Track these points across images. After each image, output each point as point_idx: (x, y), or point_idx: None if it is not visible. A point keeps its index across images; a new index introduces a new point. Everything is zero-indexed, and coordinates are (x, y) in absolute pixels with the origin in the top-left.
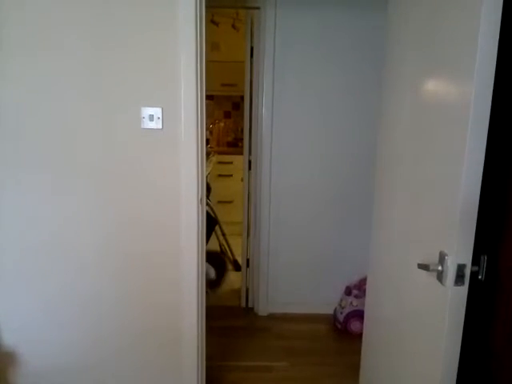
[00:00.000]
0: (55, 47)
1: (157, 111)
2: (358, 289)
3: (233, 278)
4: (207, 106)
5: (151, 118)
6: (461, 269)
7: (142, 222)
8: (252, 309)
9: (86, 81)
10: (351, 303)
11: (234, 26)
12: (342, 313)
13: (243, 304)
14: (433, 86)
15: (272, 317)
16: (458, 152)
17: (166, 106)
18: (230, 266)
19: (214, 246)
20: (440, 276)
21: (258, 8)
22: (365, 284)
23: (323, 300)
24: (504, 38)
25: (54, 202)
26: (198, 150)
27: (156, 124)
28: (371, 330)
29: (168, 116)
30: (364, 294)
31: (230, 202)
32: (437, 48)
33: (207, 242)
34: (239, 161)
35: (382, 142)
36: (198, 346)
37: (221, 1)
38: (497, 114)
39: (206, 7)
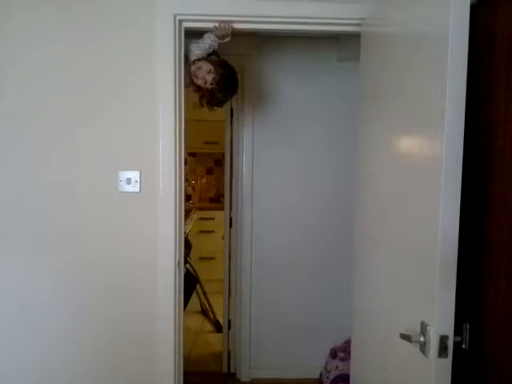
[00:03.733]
0: (34, 112)
1: (134, 175)
2: (343, 351)
3: (214, 341)
4: (190, 162)
5: (128, 181)
6: (443, 340)
7: (117, 287)
8: (234, 374)
9: (63, 144)
10: (337, 367)
11: None
12: (328, 377)
13: (225, 369)
14: (406, 146)
15: (255, 383)
16: (432, 214)
17: (143, 170)
18: (211, 327)
19: (196, 305)
20: (423, 348)
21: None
22: (350, 346)
23: (308, 363)
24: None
25: (24, 268)
26: (175, 212)
27: (133, 187)
28: None
29: (146, 179)
30: (350, 357)
31: (212, 258)
32: (408, 105)
33: (188, 301)
34: (221, 217)
35: (359, 204)
36: None
37: None
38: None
39: None
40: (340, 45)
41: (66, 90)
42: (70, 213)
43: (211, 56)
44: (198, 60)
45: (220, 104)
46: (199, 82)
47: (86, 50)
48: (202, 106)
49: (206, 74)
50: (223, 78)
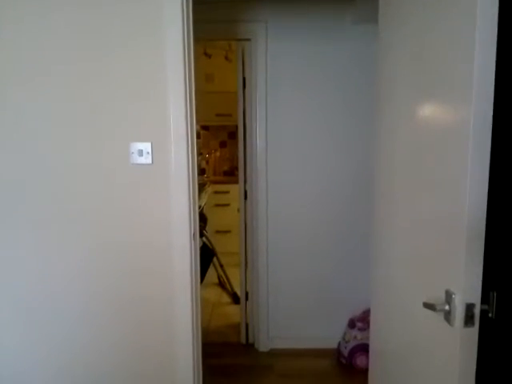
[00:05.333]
0: (43, 84)
1: (146, 146)
2: (361, 321)
3: (232, 312)
4: (203, 136)
5: (140, 152)
6: (470, 309)
7: (131, 261)
8: (252, 345)
9: (73, 117)
10: (355, 337)
11: (226, 58)
12: (346, 347)
13: (243, 340)
14: (428, 111)
15: (274, 353)
16: (460, 178)
17: (155, 141)
18: (229, 299)
19: (213, 278)
20: (448, 316)
21: (248, 40)
22: (369, 316)
23: (326, 333)
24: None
25: (38, 250)
26: (189, 184)
27: (145, 159)
28: (377, 366)
29: (158, 150)
30: (368, 327)
31: (228, 231)
32: (431, 68)
33: (205, 274)
34: (236, 190)
35: (379, 171)
36: None
37: (212, 34)
38: (499, 135)
39: (198, 40)
40: (355, 6)
41: (75, 64)
42: (81, 188)
43: None
44: None
45: None
46: None
47: (90, 25)
48: None
49: None
50: None
